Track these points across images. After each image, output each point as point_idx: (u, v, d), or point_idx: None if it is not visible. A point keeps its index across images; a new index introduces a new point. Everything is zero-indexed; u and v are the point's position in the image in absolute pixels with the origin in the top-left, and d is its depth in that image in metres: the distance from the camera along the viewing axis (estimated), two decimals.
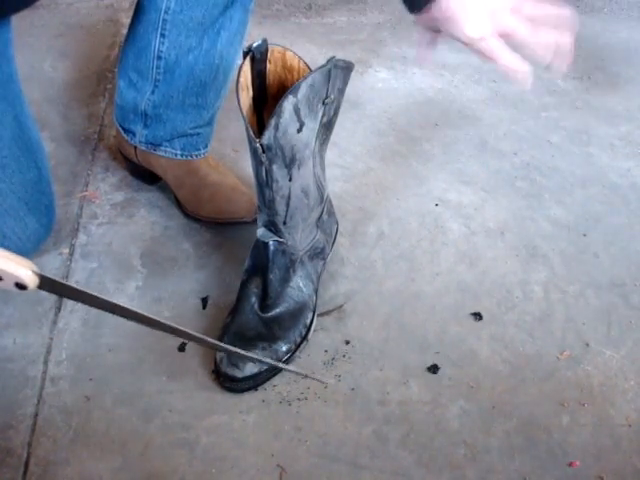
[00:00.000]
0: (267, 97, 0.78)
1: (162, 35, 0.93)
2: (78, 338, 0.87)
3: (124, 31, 1.59)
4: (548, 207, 1.15)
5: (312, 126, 0.71)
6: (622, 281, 1.01)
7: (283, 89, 0.77)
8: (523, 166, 1.25)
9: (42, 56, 1.48)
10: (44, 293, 0.91)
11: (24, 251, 0.93)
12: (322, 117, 0.73)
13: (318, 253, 0.91)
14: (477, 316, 0.94)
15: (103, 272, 0.97)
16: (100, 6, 1.73)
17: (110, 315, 0.89)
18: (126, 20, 1.64)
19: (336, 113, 0.76)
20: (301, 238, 0.84)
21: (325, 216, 0.91)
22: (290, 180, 0.73)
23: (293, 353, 0.84)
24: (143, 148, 1.06)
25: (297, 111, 0.67)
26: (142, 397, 0.81)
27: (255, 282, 0.84)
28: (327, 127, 0.76)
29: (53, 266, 0.97)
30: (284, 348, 0.83)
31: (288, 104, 0.66)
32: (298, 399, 0.82)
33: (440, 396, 0.83)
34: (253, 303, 0.84)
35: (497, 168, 1.24)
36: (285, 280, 0.84)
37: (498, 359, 0.88)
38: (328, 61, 0.69)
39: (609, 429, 0.81)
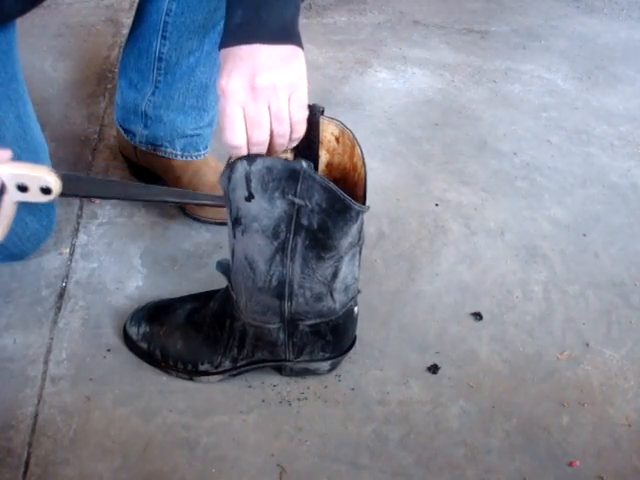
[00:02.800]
0: (315, 166, 0.73)
1: (163, 37, 0.93)
2: (78, 338, 0.87)
3: (124, 31, 1.59)
4: (548, 207, 1.15)
5: (268, 208, 0.67)
6: (622, 281, 1.01)
7: (345, 182, 0.74)
8: (523, 166, 1.25)
9: (42, 56, 1.48)
10: (44, 293, 0.92)
11: (24, 251, 0.94)
12: (295, 215, 0.67)
13: (267, 343, 0.81)
14: (477, 316, 0.94)
15: (103, 272, 0.97)
16: (100, 6, 1.73)
17: (110, 315, 0.90)
18: (126, 20, 1.64)
19: (322, 230, 0.68)
20: (247, 307, 0.77)
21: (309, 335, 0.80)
22: (234, 237, 0.71)
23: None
24: (143, 148, 1.06)
25: (248, 180, 0.65)
26: (142, 397, 0.81)
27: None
28: (313, 236, 0.69)
29: (53, 266, 0.97)
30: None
31: (241, 167, 0.64)
32: (298, 399, 0.82)
33: (440, 396, 0.83)
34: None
35: (497, 168, 1.24)
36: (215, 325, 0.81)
37: (498, 359, 0.88)
38: (297, 162, 0.64)
39: (609, 429, 0.81)
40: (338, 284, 0.75)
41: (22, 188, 0.61)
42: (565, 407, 0.83)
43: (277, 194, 0.66)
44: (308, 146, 0.71)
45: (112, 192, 0.71)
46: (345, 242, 0.70)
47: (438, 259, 1.03)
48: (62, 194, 0.63)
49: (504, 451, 0.78)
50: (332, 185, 0.65)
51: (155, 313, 0.86)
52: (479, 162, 1.25)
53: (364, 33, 1.70)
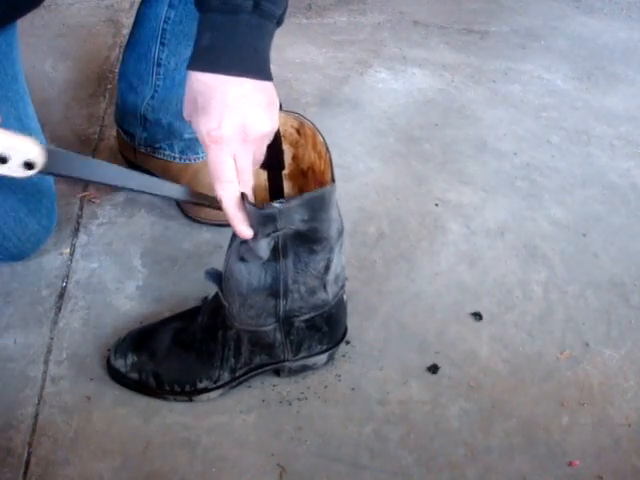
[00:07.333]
0: (281, 160, 0.75)
1: (162, 43, 0.94)
2: (78, 338, 0.87)
3: (125, 31, 1.60)
4: (548, 207, 1.15)
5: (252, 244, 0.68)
6: (622, 281, 1.01)
7: (313, 171, 0.75)
8: (523, 166, 1.25)
9: (43, 56, 1.48)
10: (44, 293, 0.92)
11: (24, 251, 0.94)
12: (280, 236, 0.69)
13: (264, 346, 0.80)
14: (477, 316, 0.94)
15: (103, 272, 0.97)
16: (100, 6, 1.73)
17: (110, 315, 0.90)
18: (126, 20, 1.65)
19: (310, 230, 0.69)
20: (240, 313, 0.76)
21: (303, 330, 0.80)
22: (230, 245, 0.72)
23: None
24: (142, 150, 1.06)
25: None
26: (142, 397, 0.81)
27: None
28: (302, 235, 0.69)
29: (53, 266, 0.97)
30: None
31: None
32: (298, 399, 0.82)
33: (440, 396, 0.83)
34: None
35: (497, 168, 1.24)
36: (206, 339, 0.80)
37: (498, 359, 0.88)
38: (272, 208, 0.64)
39: (609, 429, 0.81)
40: (330, 276, 0.75)
41: (1, 159, 0.53)
42: (565, 407, 0.83)
43: (259, 236, 0.66)
44: (271, 144, 0.71)
45: (100, 176, 0.64)
46: (333, 229, 0.71)
47: (438, 259, 1.03)
48: (45, 171, 0.55)
49: (504, 451, 0.78)
50: (308, 195, 0.65)
51: (140, 340, 0.83)
52: (479, 162, 1.25)
53: (364, 33, 1.70)
